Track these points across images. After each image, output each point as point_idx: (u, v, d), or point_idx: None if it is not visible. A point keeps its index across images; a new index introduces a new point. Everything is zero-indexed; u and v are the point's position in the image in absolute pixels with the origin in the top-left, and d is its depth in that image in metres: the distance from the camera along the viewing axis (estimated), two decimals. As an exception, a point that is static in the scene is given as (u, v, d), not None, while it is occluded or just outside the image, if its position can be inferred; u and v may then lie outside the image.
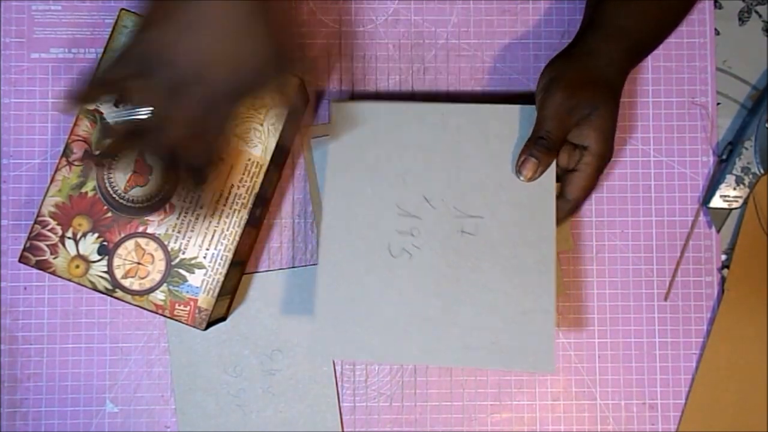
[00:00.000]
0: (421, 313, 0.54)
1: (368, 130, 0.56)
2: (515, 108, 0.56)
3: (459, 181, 0.55)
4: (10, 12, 0.61)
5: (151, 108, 0.45)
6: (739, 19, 0.63)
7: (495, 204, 0.55)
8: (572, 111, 0.52)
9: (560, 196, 0.55)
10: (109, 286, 0.53)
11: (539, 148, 0.53)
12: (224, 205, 0.54)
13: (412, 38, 0.62)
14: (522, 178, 0.54)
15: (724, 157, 0.61)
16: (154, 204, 0.53)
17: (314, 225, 0.61)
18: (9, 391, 0.59)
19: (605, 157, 0.53)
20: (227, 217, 0.54)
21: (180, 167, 0.48)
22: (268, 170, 0.54)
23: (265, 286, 0.60)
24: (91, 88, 0.45)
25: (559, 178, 0.55)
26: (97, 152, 0.54)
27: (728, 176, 0.60)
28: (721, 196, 0.60)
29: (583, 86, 0.53)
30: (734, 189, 0.60)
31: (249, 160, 0.54)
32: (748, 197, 0.60)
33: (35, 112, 0.61)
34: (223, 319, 0.59)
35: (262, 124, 0.54)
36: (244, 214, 0.54)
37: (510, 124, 0.56)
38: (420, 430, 0.60)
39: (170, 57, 0.44)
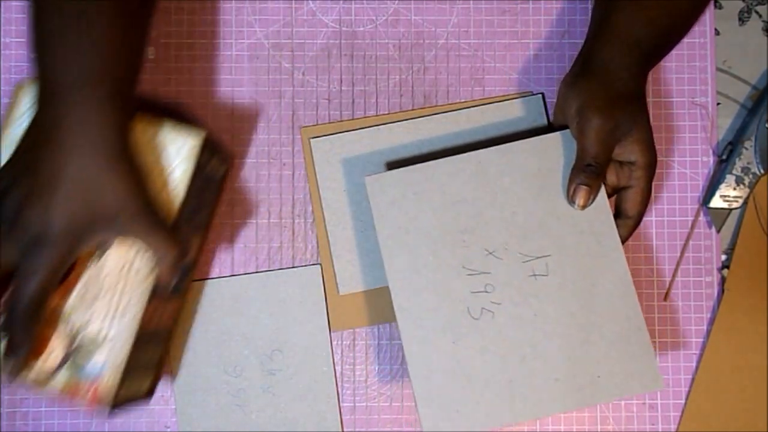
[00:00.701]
0: (520, 369, 0.52)
1: (410, 197, 0.55)
2: (546, 138, 0.55)
3: (516, 224, 0.54)
4: (10, 12, 0.61)
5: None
6: (739, 19, 0.63)
7: (558, 238, 0.54)
8: (613, 132, 0.52)
9: (619, 215, 0.55)
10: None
11: (588, 174, 0.53)
12: (126, 277, 0.50)
13: (412, 38, 0.62)
14: (576, 207, 0.54)
15: (724, 157, 0.61)
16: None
17: (314, 225, 0.61)
18: (9, 391, 0.59)
19: (653, 166, 0.54)
20: (129, 291, 0.50)
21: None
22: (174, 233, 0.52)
23: (266, 286, 0.60)
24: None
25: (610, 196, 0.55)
26: None
27: (728, 176, 0.60)
28: (721, 196, 0.60)
29: (617, 105, 0.52)
30: (734, 189, 0.60)
31: None
32: (748, 197, 0.61)
33: (35, 112, 0.61)
34: (148, 396, 0.56)
35: (164, 186, 0.51)
36: (146, 288, 0.50)
37: (547, 154, 0.55)
38: (420, 430, 0.60)
39: (25, 219, 0.46)
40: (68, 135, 0.46)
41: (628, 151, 0.53)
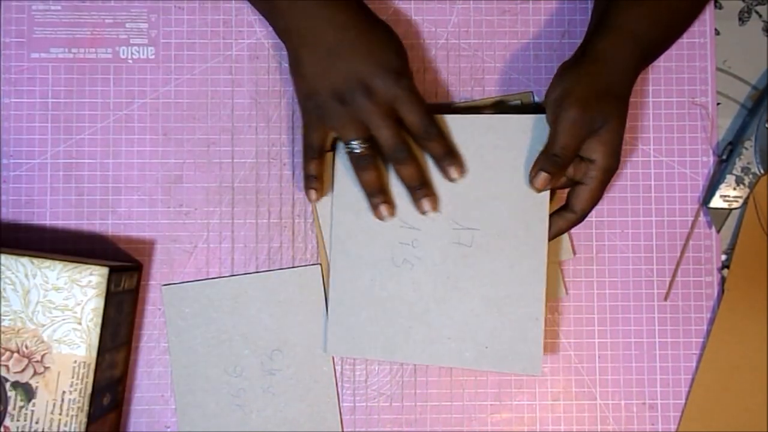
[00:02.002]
0: (421, 318, 0.57)
1: None
2: (512, 118, 0.56)
3: (456, 193, 0.57)
4: (10, 12, 0.61)
5: (359, 138, 0.54)
6: (739, 19, 0.63)
7: (490, 216, 0.57)
8: (585, 127, 0.52)
9: (566, 207, 0.55)
10: None
11: (552, 164, 0.53)
12: (60, 414, 0.53)
13: (412, 38, 0.62)
14: (534, 189, 0.55)
15: (724, 157, 0.61)
16: None
17: (314, 225, 0.61)
18: (9, 391, 0.59)
19: (611, 171, 0.53)
20: (66, 426, 0.53)
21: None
22: (99, 364, 0.53)
23: (266, 286, 0.60)
24: (310, 163, 0.57)
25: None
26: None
27: (728, 176, 0.60)
28: (721, 196, 0.60)
29: (595, 100, 0.52)
30: (734, 189, 0.60)
31: (75, 362, 0.53)
32: (748, 197, 0.61)
33: (35, 112, 0.61)
34: None
35: (80, 323, 0.53)
36: (83, 418, 0.53)
37: (507, 134, 0.56)
38: (420, 430, 0.60)
39: (331, 87, 0.54)
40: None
41: (591, 149, 0.53)
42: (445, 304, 0.57)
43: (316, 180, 0.57)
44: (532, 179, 0.54)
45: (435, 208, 0.57)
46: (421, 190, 0.56)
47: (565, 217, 0.55)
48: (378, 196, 0.56)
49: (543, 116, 0.55)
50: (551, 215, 0.56)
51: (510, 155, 0.56)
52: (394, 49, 0.55)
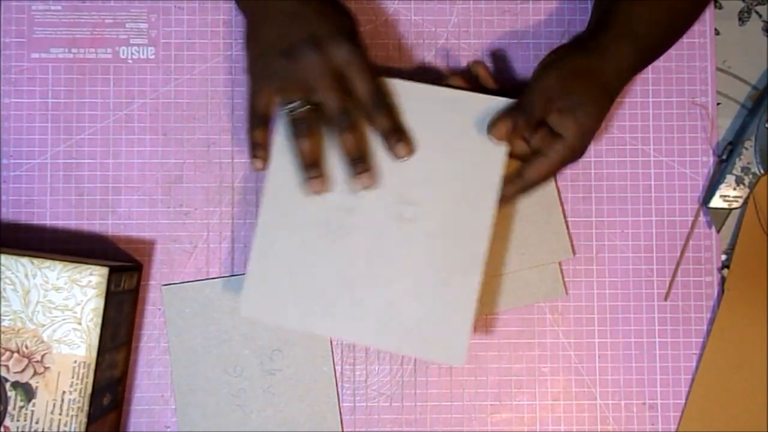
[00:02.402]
0: (349, 290, 0.54)
1: None
2: (475, 96, 0.55)
3: (405, 166, 0.54)
4: (10, 12, 0.61)
5: (301, 99, 0.53)
6: (739, 19, 0.63)
7: (436, 195, 0.54)
8: (559, 96, 0.52)
9: (517, 174, 0.54)
10: None
11: (517, 114, 0.53)
12: (60, 414, 0.53)
13: (412, 38, 0.62)
14: (491, 137, 0.53)
15: (724, 157, 0.61)
16: None
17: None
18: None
19: (576, 152, 0.53)
20: (65, 426, 0.53)
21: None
22: (99, 364, 0.53)
23: (265, 286, 0.60)
24: (255, 130, 0.55)
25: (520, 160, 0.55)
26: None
27: (728, 176, 0.60)
28: (721, 196, 0.60)
29: (579, 77, 0.52)
30: (734, 189, 0.60)
31: (75, 362, 0.53)
32: (748, 197, 0.61)
33: (35, 112, 0.61)
34: None
35: (80, 323, 0.53)
36: (83, 418, 0.53)
37: (465, 112, 0.54)
38: (420, 430, 0.60)
39: (283, 46, 0.52)
40: None
41: (563, 125, 0.53)
42: (375, 280, 0.54)
43: (261, 148, 0.55)
44: (491, 125, 0.53)
45: (372, 185, 0.54)
46: (360, 164, 0.53)
47: (513, 182, 0.54)
48: (312, 169, 0.54)
49: (511, 100, 0.54)
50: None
51: (468, 135, 0.54)
52: (351, 20, 0.54)
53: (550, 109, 0.53)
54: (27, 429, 0.53)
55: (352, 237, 0.55)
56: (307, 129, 0.54)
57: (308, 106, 0.53)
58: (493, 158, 0.54)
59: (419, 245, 0.54)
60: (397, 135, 0.54)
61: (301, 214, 0.55)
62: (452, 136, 0.54)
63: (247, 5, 0.55)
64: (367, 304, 0.54)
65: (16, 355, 0.53)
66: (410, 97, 0.55)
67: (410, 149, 0.54)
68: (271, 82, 0.54)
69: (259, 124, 0.55)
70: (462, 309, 0.54)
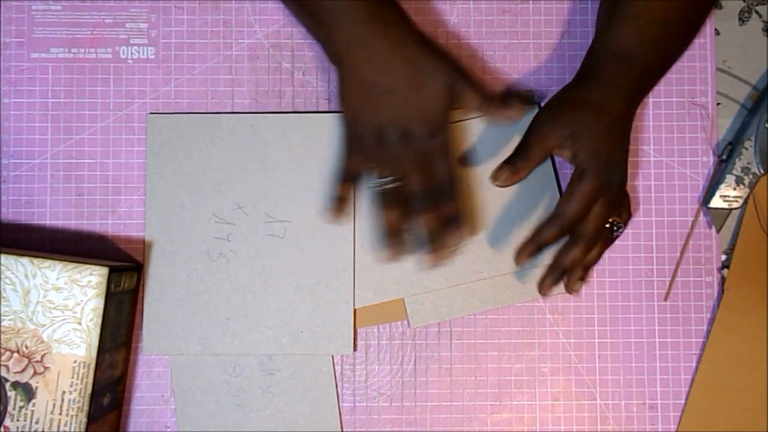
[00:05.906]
0: (240, 308, 0.59)
1: (184, 142, 0.60)
2: (315, 117, 0.60)
3: (269, 188, 0.60)
4: (10, 12, 0.61)
5: (392, 176, 0.55)
6: (739, 19, 0.63)
7: (301, 209, 0.60)
8: (552, 129, 0.54)
9: (553, 213, 0.54)
10: None
11: (515, 158, 0.54)
12: (60, 414, 0.53)
13: (412, 38, 0.62)
14: (495, 183, 0.55)
15: (724, 157, 0.61)
16: None
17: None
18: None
19: (600, 175, 0.53)
20: (65, 426, 0.53)
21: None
22: (99, 364, 0.53)
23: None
24: (341, 185, 0.58)
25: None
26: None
27: (728, 176, 0.60)
28: (721, 196, 0.60)
29: (565, 107, 0.54)
30: (734, 189, 0.60)
31: (75, 362, 0.53)
32: (748, 197, 0.61)
33: (35, 112, 0.61)
34: None
35: (80, 323, 0.53)
36: (83, 418, 0.53)
37: (312, 132, 0.60)
38: (420, 430, 0.60)
39: (373, 125, 0.55)
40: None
41: (568, 155, 0.54)
42: (262, 294, 0.59)
43: (345, 203, 0.58)
44: (492, 176, 0.55)
45: (447, 259, 0.59)
46: (437, 241, 0.56)
47: (550, 222, 0.54)
48: (396, 239, 0.56)
49: (337, 115, 0.58)
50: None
51: (317, 152, 0.60)
52: (441, 90, 0.55)
53: (546, 145, 0.54)
54: (27, 429, 0.53)
55: (232, 261, 0.59)
56: (394, 201, 0.56)
57: (398, 183, 0.56)
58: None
59: (295, 256, 0.59)
60: (457, 223, 0.56)
61: (181, 250, 0.59)
62: (304, 155, 0.60)
63: (334, 60, 0.55)
64: (257, 318, 0.59)
65: (16, 355, 0.53)
66: (256, 126, 0.60)
67: (460, 239, 0.57)
68: (366, 152, 0.56)
69: (348, 180, 0.58)
70: (342, 303, 0.59)
